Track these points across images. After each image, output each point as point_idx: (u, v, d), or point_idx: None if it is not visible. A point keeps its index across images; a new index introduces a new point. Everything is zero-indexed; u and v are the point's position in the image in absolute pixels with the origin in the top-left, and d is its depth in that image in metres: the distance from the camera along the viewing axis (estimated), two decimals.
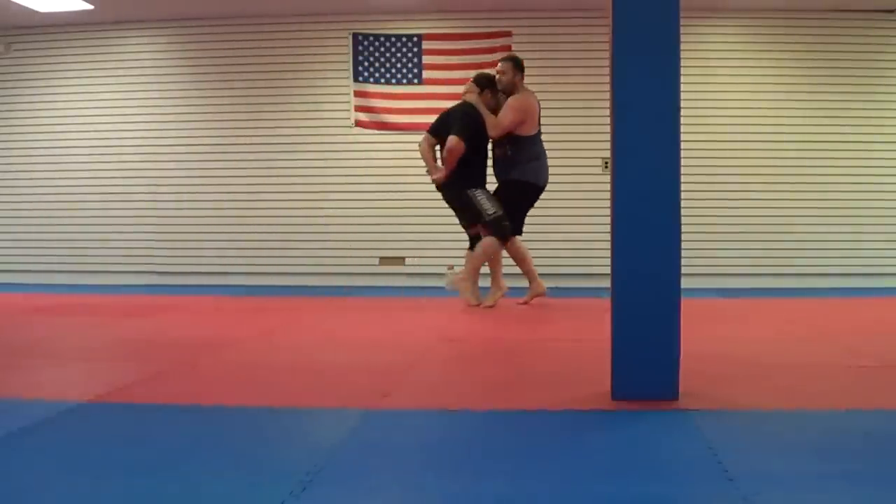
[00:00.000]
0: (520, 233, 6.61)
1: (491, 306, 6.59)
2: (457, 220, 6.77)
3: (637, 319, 3.39)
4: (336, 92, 8.53)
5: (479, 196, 6.48)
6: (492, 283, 6.74)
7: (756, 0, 8.01)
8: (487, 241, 6.50)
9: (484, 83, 6.63)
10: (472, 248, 6.69)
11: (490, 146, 6.64)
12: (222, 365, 4.42)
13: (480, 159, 6.60)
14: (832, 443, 2.92)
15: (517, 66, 6.53)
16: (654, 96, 3.38)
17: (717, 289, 7.82)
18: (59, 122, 8.87)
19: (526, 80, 6.64)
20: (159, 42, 8.75)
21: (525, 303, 6.73)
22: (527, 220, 6.67)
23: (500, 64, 6.64)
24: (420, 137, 6.80)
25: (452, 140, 6.40)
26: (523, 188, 6.52)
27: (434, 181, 6.64)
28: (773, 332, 5.47)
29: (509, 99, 6.50)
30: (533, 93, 6.60)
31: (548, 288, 6.83)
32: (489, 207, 6.44)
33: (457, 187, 6.53)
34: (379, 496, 2.47)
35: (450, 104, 6.85)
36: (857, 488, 2.46)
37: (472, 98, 6.59)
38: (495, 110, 6.56)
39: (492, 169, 6.65)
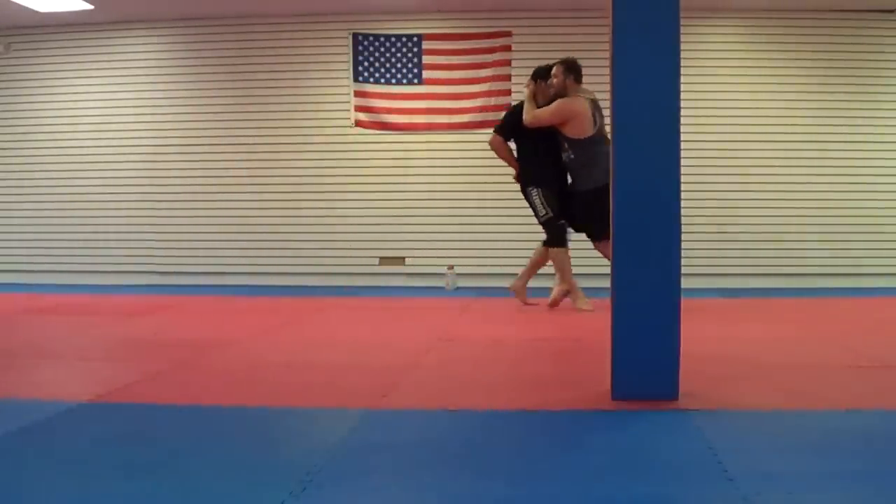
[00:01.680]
0: None
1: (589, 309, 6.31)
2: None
3: (637, 319, 3.39)
4: (336, 92, 8.53)
5: (534, 196, 6.38)
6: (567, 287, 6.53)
7: (756, 0, 8.01)
8: (551, 252, 6.41)
9: (540, 75, 6.45)
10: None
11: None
12: (222, 365, 4.42)
13: (539, 156, 6.43)
14: (832, 443, 2.92)
15: (568, 69, 6.34)
16: (654, 97, 3.38)
17: (717, 289, 7.82)
18: (59, 122, 8.86)
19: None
20: (159, 42, 8.74)
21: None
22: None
23: (554, 67, 6.41)
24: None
25: (490, 137, 6.51)
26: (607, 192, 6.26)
27: (515, 179, 6.61)
28: (774, 332, 5.46)
29: (558, 100, 6.37)
30: (590, 97, 6.32)
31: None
32: (541, 209, 6.36)
33: (521, 184, 6.50)
34: (379, 496, 2.47)
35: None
36: (857, 488, 2.46)
37: (526, 91, 6.47)
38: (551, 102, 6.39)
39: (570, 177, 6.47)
